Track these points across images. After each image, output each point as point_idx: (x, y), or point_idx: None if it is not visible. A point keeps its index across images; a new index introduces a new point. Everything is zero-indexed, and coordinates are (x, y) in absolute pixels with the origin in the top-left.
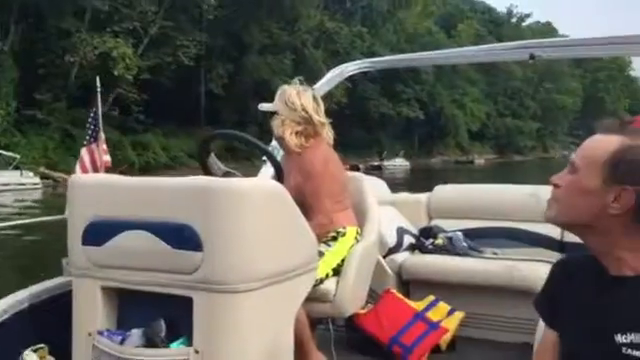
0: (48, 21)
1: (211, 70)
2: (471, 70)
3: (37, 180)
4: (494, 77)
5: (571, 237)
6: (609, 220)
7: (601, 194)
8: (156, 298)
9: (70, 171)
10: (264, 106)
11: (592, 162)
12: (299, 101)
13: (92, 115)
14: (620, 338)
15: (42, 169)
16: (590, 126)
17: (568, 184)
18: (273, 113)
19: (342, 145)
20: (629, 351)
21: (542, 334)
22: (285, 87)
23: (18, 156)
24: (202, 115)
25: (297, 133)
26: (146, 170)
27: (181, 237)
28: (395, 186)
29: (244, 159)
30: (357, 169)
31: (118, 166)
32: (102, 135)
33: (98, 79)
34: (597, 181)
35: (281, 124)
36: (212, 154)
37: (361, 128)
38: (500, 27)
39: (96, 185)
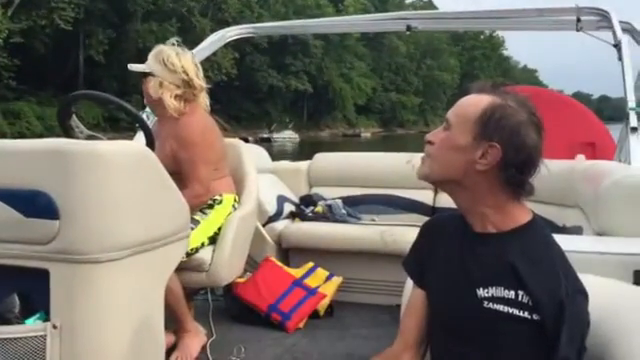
0: None
1: (91, 36)
2: (358, 45)
3: None
4: (380, 52)
5: (443, 202)
6: (476, 176)
7: (470, 150)
8: (8, 271)
9: None
10: (135, 67)
11: (464, 119)
12: (179, 63)
13: None
14: (482, 292)
15: None
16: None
17: (441, 140)
18: (146, 74)
19: (231, 117)
20: (489, 305)
21: (410, 294)
22: (162, 47)
23: None
24: (80, 82)
25: (176, 97)
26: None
27: (34, 204)
28: (284, 158)
29: (125, 129)
30: (246, 141)
31: None
32: None
33: None
34: (468, 137)
35: (159, 86)
36: (74, 116)
37: (250, 100)
38: (385, 4)
39: None
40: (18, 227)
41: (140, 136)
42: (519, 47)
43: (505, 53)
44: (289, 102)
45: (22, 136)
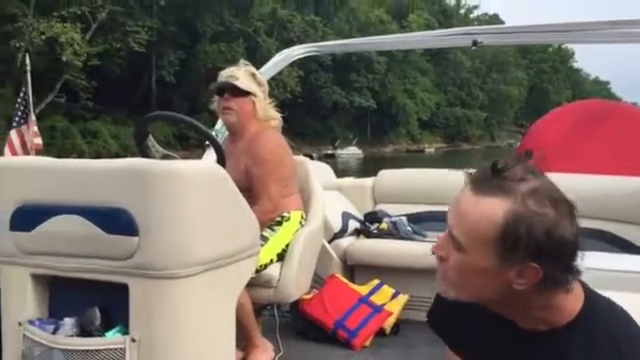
0: None
1: (162, 57)
2: (422, 60)
3: None
4: (444, 67)
5: None
6: (517, 293)
7: (501, 272)
8: (90, 285)
9: None
10: (240, 85)
11: (479, 240)
12: (265, 83)
13: (21, 96)
14: None
15: None
16: (534, 115)
17: (458, 265)
18: (243, 94)
19: (296, 134)
20: None
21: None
22: (250, 68)
23: None
24: (153, 102)
25: (272, 114)
26: (97, 159)
27: (115, 221)
28: (348, 174)
29: (194, 147)
30: (310, 158)
31: (67, 155)
32: (33, 117)
33: (27, 56)
34: (493, 260)
35: (253, 105)
36: (150, 136)
37: (314, 117)
38: (450, 19)
39: (24, 168)
40: (99, 243)
41: (210, 153)
42: (590, 58)
43: (575, 65)
44: (353, 118)
45: (99, 154)
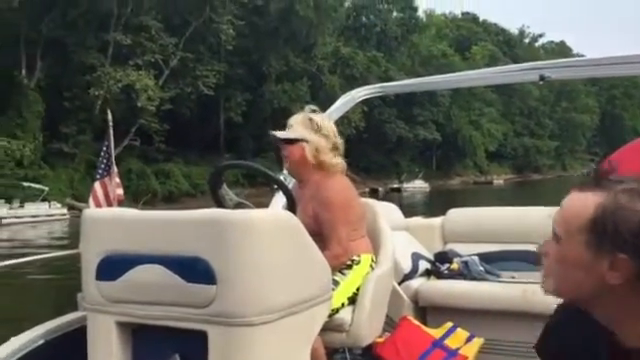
0: (73, 56)
1: (230, 99)
2: (487, 91)
3: (64, 211)
4: (510, 97)
5: None
6: (613, 290)
7: (591, 265)
8: (171, 332)
9: None
10: (283, 134)
11: (571, 231)
12: (330, 126)
13: (104, 149)
14: None
15: (69, 200)
16: (608, 143)
17: (555, 255)
18: (293, 141)
19: (361, 168)
20: None
21: None
22: (308, 114)
23: (46, 188)
24: (222, 143)
25: (327, 160)
26: (169, 198)
27: (194, 270)
28: (415, 208)
29: (261, 185)
30: (376, 192)
31: (142, 196)
32: (115, 169)
33: (110, 113)
34: (581, 251)
35: (316, 151)
36: (224, 185)
37: (379, 151)
38: (514, 48)
39: (109, 219)
40: (180, 291)
41: (279, 197)
42: None
43: None
44: (418, 151)
45: (171, 194)
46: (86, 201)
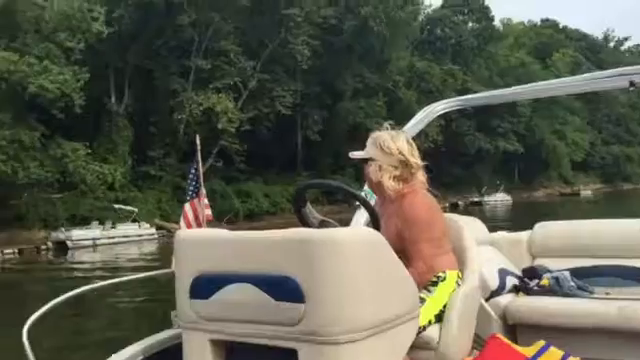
0: (157, 82)
1: (307, 117)
2: (570, 98)
3: (153, 231)
4: (596, 104)
5: None
6: None
7: None
8: (262, 350)
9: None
10: (356, 154)
11: None
12: (394, 145)
13: (193, 172)
14: None
15: (157, 221)
16: None
17: None
18: (366, 160)
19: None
20: None
21: None
22: (377, 133)
23: (135, 209)
24: (299, 160)
25: (395, 178)
26: (250, 217)
27: (283, 289)
28: (498, 222)
29: (341, 202)
30: (456, 206)
31: (225, 214)
32: (203, 190)
33: (198, 138)
34: None
35: (378, 170)
36: (307, 204)
37: (458, 164)
38: (598, 53)
39: (201, 240)
40: (269, 310)
41: (361, 214)
42: None
43: None
44: (499, 164)
45: (252, 212)
46: (173, 221)
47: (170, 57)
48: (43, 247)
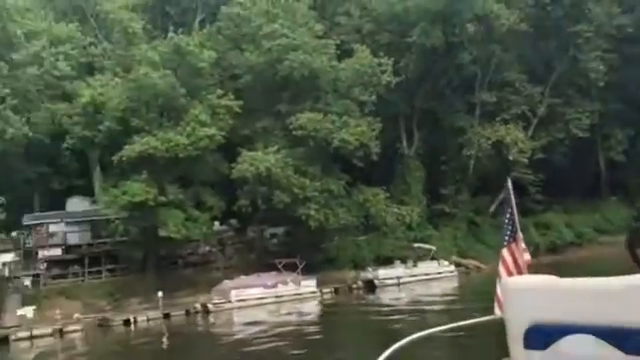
0: (443, 122)
1: (609, 138)
2: None
3: (452, 268)
4: None
5: None
6: None
7: None
8: None
9: (477, 258)
10: None
11: None
12: None
13: (508, 216)
14: None
15: (454, 257)
16: None
17: None
18: None
19: None
20: None
21: None
22: None
23: (434, 247)
24: (603, 185)
25: None
26: (552, 250)
27: (634, 341)
28: None
29: None
30: None
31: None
32: (520, 234)
33: (509, 181)
34: None
35: None
36: None
37: None
38: None
39: (534, 288)
40: None
41: None
42: None
43: None
44: None
45: (554, 245)
46: (469, 257)
47: (454, 95)
48: (354, 286)
